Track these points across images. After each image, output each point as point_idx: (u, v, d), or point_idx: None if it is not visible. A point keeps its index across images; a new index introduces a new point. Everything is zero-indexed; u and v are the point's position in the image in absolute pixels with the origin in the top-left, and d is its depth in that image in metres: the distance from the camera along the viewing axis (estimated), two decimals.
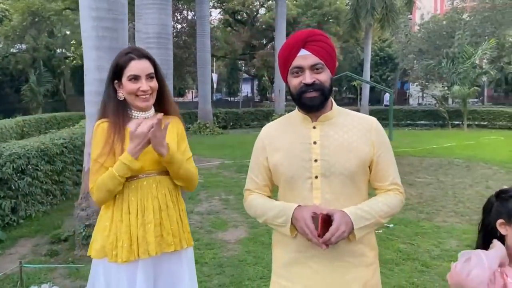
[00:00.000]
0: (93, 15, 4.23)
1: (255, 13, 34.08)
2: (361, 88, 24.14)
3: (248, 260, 4.17)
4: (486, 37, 24.51)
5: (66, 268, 3.98)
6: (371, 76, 24.55)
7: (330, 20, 30.71)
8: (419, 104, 32.59)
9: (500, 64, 24.33)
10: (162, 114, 1.82)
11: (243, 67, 37.04)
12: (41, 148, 5.63)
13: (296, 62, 1.55)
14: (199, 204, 6.36)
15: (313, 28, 1.63)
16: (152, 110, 1.96)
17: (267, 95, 37.73)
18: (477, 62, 20.18)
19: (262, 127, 1.80)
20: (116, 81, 1.90)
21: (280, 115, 20.48)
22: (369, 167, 1.64)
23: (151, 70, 1.88)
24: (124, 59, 1.86)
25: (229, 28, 33.34)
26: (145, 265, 1.84)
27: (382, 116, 21.91)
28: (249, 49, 32.51)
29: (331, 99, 1.64)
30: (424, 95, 33.84)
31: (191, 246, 1.99)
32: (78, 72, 27.91)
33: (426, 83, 26.95)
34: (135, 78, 1.84)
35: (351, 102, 35.51)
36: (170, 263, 1.90)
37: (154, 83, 1.89)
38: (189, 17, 26.14)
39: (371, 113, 21.55)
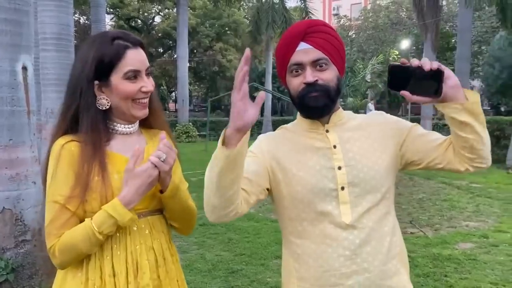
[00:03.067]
0: None
1: (150, 21, 33.00)
2: None
3: None
4: (371, 53, 26.72)
5: None
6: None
7: (229, 32, 30.93)
8: None
9: (385, 78, 26.59)
10: (164, 132, 1.29)
11: None
12: None
13: (295, 57, 1.29)
14: None
15: (314, 19, 1.42)
16: (137, 121, 1.40)
17: (166, 105, 36.56)
18: (368, 76, 21.81)
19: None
20: (96, 82, 1.30)
21: (184, 126, 19.96)
22: (405, 162, 1.36)
23: (147, 62, 1.35)
24: (114, 49, 1.28)
25: None
26: None
27: None
28: None
29: (337, 101, 1.37)
30: None
31: None
32: None
33: None
34: (135, 75, 1.30)
35: None
36: None
37: (152, 82, 1.36)
38: (81, 21, 24.32)
39: (274, 123, 21.95)
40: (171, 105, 40.43)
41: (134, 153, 1.27)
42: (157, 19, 33.35)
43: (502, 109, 25.77)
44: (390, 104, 29.87)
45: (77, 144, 1.28)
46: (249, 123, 1.08)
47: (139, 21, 32.64)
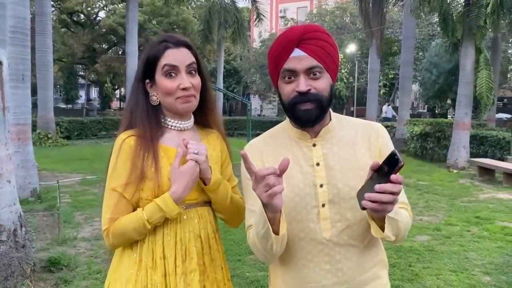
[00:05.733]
0: None
1: (94, 16, 31.87)
2: None
3: None
4: None
5: None
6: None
7: (177, 30, 30.55)
8: (258, 115, 34.68)
9: None
10: (186, 140, 1.41)
11: (81, 72, 34.17)
12: None
13: (289, 64, 1.26)
14: (80, 229, 5.45)
15: (309, 24, 1.36)
16: (192, 119, 1.50)
17: (109, 103, 35.42)
18: None
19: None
20: (147, 81, 1.44)
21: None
22: None
23: (192, 60, 1.42)
24: (157, 49, 1.40)
25: (64, 29, 30.38)
26: None
27: (234, 126, 22.71)
28: (89, 53, 30.17)
29: (329, 110, 1.36)
30: (264, 107, 36.24)
31: None
32: None
33: (274, 96, 28.79)
34: (172, 71, 1.38)
35: None
36: None
37: (197, 80, 1.43)
38: None
39: (225, 123, 22.02)
40: (115, 104, 39.25)
41: (178, 153, 1.38)
42: (102, 14, 32.29)
43: (437, 111, 27.59)
44: (335, 106, 30.90)
45: (134, 138, 1.39)
46: (279, 205, 1.11)
47: (82, 15, 31.42)
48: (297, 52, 1.25)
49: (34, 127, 15.81)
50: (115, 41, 31.41)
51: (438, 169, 10.72)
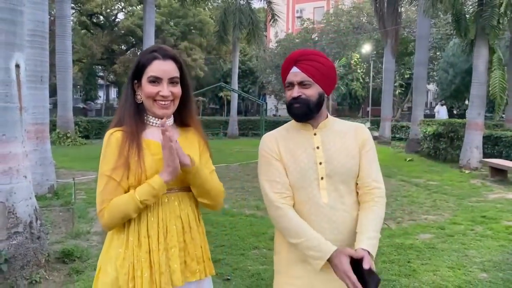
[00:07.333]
0: None
1: (113, 17, 32.48)
2: (227, 99, 24.68)
3: None
4: (333, 56, 27.46)
5: None
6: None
7: (194, 31, 30.93)
8: (274, 115, 34.83)
9: (346, 81, 27.44)
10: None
11: (101, 73, 34.83)
12: None
13: (288, 77, 1.73)
14: (92, 223, 5.70)
15: (307, 49, 1.85)
16: (172, 118, 1.72)
17: None
18: None
19: None
20: (135, 81, 1.67)
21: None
22: None
23: (176, 74, 1.65)
24: (146, 58, 1.63)
25: (84, 30, 31.04)
26: None
27: (249, 126, 22.89)
28: (107, 54, 30.77)
29: (326, 111, 1.82)
30: (279, 108, 36.34)
31: (213, 274, 1.76)
32: None
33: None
34: (156, 80, 1.61)
35: (214, 112, 36.12)
36: None
37: (178, 89, 1.66)
38: None
39: (239, 122, 22.24)
40: None
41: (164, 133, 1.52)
42: (120, 15, 32.89)
43: (455, 112, 27.23)
44: (351, 106, 30.79)
45: (121, 133, 1.62)
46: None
47: (101, 17, 32.06)
48: (294, 69, 1.72)
49: (53, 126, 16.35)
50: (134, 42, 31.96)
51: (450, 170, 10.70)
